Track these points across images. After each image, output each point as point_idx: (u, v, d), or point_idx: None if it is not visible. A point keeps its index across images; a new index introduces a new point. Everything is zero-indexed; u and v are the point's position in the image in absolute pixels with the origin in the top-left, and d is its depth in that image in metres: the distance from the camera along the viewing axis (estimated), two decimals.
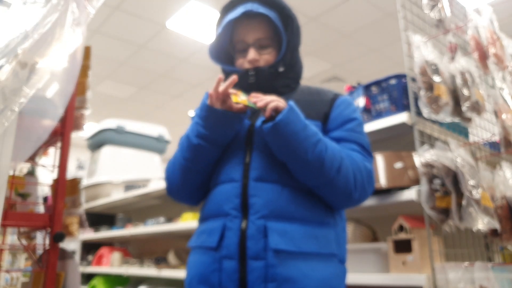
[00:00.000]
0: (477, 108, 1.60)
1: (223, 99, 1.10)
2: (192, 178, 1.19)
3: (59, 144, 1.47)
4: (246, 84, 1.21)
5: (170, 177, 1.24)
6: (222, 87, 1.08)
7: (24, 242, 1.62)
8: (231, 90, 1.09)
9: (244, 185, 1.09)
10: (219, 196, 1.13)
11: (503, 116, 1.61)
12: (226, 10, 1.27)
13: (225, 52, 1.33)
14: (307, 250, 1.04)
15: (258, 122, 1.12)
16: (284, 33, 1.23)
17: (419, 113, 1.59)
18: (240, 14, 1.20)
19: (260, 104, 1.07)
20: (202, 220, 1.20)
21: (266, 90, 1.19)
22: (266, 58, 1.24)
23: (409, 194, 1.52)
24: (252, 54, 1.22)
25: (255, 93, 1.11)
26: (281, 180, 1.10)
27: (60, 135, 1.46)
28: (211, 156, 1.16)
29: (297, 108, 1.08)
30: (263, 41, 1.24)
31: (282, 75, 1.24)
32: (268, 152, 1.11)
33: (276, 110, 1.06)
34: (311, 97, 1.24)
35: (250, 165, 1.12)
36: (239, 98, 1.08)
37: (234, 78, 1.09)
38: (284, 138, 1.04)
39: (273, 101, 1.07)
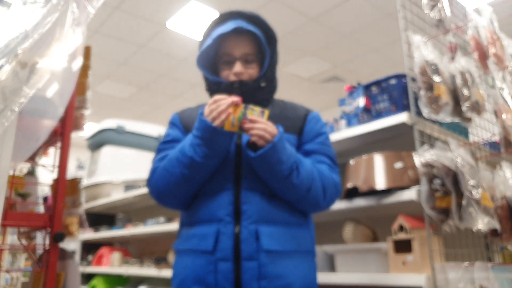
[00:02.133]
0: (477, 108, 1.60)
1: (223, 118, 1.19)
2: (189, 189, 1.28)
3: (59, 144, 1.47)
4: (230, 95, 1.30)
5: (160, 187, 1.30)
6: (223, 107, 1.16)
7: (24, 242, 1.62)
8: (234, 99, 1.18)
9: (236, 193, 1.22)
10: (211, 203, 1.23)
11: (503, 116, 1.61)
12: (215, 23, 1.37)
13: (210, 62, 1.41)
14: (290, 249, 1.21)
15: (244, 140, 1.24)
16: (268, 51, 1.34)
17: (419, 113, 1.59)
18: (230, 30, 1.29)
19: (253, 138, 1.18)
20: (189, 224, 1.29)
21: (247, 102, 1.27)
22: (250, 72, 1.34)
23: (409, 194, 1.52)
24: (238, 67, 1.32)
25: (253, 106, 1.19)
26: (267, 189, 1.23)
27: (60, 135, 1.46)
28: (213, 168, 1.25)
29: (283, 139, 1.20)
30: (249, 57, 1.34)
31: (263, 90, 1.35)
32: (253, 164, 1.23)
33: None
34: (287, 112, 1.37)
35: (240, 175, 1.24)
36: (232, 124, 1.17)
37: (236, 100, 1.18)
38: (265, 165, 1.18)
39: (265, 133, 1.17)
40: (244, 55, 1.34)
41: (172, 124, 1.43)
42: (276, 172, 1.18)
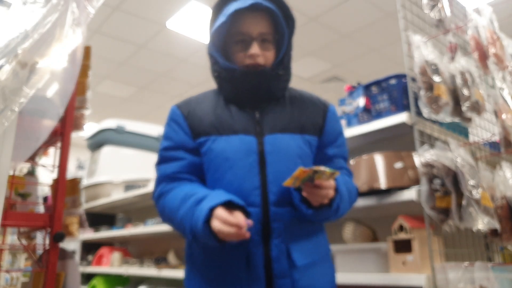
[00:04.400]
0: (477, 108, 1.60)
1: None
2: None
3: (59, 144, 1.47)
4: (246, 83, 1.18)
5: (165, 220, 1.21)
6: (232, 233, 0.98)
7: (24, 242, 1.62)
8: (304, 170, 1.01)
9: (265, 210, 1.10)
10: None
11: (503, 116, 1.61)
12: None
13: (220, 44, 1.23)
14: (317, 258, 1.17)
15: (296, 198, 1.11)
16: (286, 32, 1.19)
17: (419, 113, 1.59)
18: (249, 5, 1.12)
19: (311, 199, 1.06)
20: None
21: (263, 93, 1.18)
22: (267, 55, 1.18)
23: (409, 194, 1.52)
24: (255, 48, 1.16)
25: (323, 168, 1.01)
26: (292, 203, 1.13)
27: (60, 135, 1.46)
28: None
29: (342, 194, 1.12)
30: (267, 36, 1.18)
31: (281, 78, 1.21)
32: (281, 176, 1.10)
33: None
34: (306, 108, 1.24)
35: (267, 189, 1.11)
36: (293, 183, 1.04)
37: (246, 235, 1.00)
38: (315, 216, 1.11)
39: (325, 199, 1.07)
40: (262, 35, 1.17)
41: (174, 122, 1.23)
42: (331, 215, 1.13)
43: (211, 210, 1.01)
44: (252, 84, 1.17)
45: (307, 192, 1.05)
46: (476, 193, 1.38)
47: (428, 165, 1.46)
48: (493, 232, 1.52)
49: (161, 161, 1.22)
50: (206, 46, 1.22)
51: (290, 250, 1.11)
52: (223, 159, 1.13)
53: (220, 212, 0.99)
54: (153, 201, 1.24)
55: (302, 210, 1.09)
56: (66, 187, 1.44)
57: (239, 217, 0.98)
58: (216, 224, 0.99)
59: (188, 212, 1.07)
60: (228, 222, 0.97)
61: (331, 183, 1.06)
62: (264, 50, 1.18)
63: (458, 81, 1.60)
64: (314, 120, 1.22)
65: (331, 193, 1.06)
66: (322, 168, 1.00)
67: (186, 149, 1.19)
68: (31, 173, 1.65)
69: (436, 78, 1.54)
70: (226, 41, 1.22)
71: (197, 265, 1.18)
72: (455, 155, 1.47)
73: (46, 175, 1.57)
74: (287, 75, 1.23)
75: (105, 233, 3.56)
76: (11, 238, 2.18)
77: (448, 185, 1.42)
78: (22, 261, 2.57)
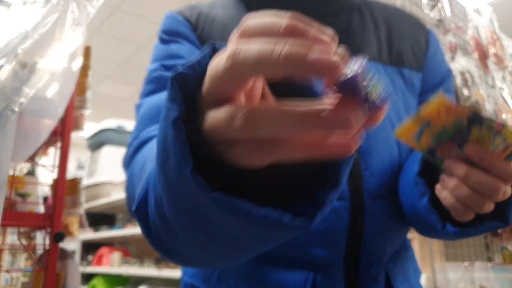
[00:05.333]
0: (477, 108, 1.60)
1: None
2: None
3: (59, 144, 1.47)
4: None
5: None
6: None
7: (24, 242, 1.62)
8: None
9: (356, 206, 0.58)
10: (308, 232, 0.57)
11: (503, 116, 1.61)
12: None
13: None
14: (415, 280, 0.69)
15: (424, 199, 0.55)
16: None
17: None
18: None
19: (472, 204, 0.48)
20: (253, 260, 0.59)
21: (319, 9, 0.67)
22: None
23: None
24: None
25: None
26: (395, 199, 0.62)
27: (60, 135, 1.46)
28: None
29: None
30: None
31: None
32: (380, 141, 0.61)
33: None
34: (397, 22, 0.73)
35: (361, 168, 0.59)
36: (416, 137, 0.47)
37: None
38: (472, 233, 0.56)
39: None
40: None
41: (174, 34, 0.69)
42: None
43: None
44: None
45: (454, 171, 0.47)
46: None
47: None
48: (493, 232, 1.52)
49: (153, 90, 0.62)
50: None
51: (390, 273, 0.62)
52: None
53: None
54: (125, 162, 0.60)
55: (433, 221, 0.54)
56: (66, 187, 1.44)
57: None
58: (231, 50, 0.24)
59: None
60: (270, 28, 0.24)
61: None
62: None
63: (458, 81, 1.61)
64: (417, 49, 0.71)
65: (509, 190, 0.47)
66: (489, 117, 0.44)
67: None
68: (31, 173, 1.65)
69: None
70: None
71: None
72: None
73: (46, 175, 1.57)
74: None
75: (105, 233, 3.57)
76: (11, 238, 2.18)
77: None
78: (22, 261, 2.57)
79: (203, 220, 0.29)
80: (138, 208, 0.39)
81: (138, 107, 0.62)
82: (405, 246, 0.69)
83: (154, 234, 0.38)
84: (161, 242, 0.38)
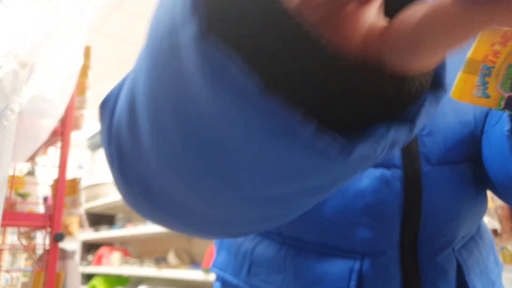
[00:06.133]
0: None
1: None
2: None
3: (59, 144, 1.47)
4: None
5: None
6: None
7: (24, 242, 1.62)
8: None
9: (411, 174, 0.45)
10: (338, 208, 0.45)
11: None
12: None
13: None
14: (498, 279, 0.56)
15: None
16: None
17: None
18: None
19: None
20: (296, 242, 0.49)
21: None
22: None
23: None
24: None
25: None
26: (469, 166, 0.49)
27: (60, 135, 1.46)
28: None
29: None
30: None
31: None
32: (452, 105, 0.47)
33: None
34: None
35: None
36: (481, 89, 0.34)
37: None
38: None
39: None
40: None
41: None
42: None
43: None
44: None
45: None
46: None
47: None
48: (493, 232, 1.52)
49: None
50: None
51: (462, 264, 0.49)
52: None
53: None
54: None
55: None
56: (66, 187, 1.44)
57: None
58: None
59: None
60: None
61: None
62: None
63: None
64: None
65: None
66: None
67: None
68: (31, 173, 1.65)
69: None
70: None
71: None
72: None
73: (46, 175, 1.57)
74: None
75: (105, 233, 3.57)
76: (11, 238, 2.19)
77: None
78: (22, 261, 2.57)
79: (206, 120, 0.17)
80: (107, 100, 0.27)
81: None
82: (483, 231, 0.55)
83: (115, 142, 0.25)
84: (122, 160, 0.25)
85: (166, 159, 0.20)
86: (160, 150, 0.20)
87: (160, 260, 3.02)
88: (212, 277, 2.23)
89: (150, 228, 2.97)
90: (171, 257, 2.93)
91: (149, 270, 2.89)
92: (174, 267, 2.79)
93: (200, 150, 0.18)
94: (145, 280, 3.24)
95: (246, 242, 0.52)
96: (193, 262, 2.89)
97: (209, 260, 2.33)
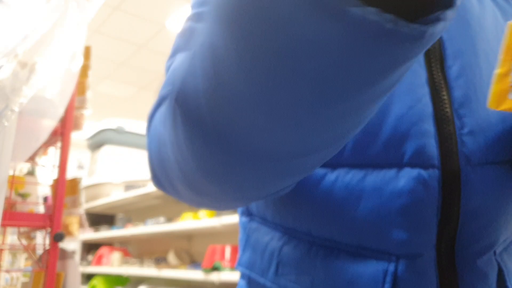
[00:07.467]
0: None
1: None
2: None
3: (59, 144, 1.47)
4: None
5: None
6: None
7: (24, 242, 1.62)
8: None
9: (450, 175, 0.43)
10: (374, 208, 0.43)
11: None
12: None
13: None
14: None
15: None
16: None
17: None
18: None
19: None
20: (324, 240, 0.47)
21: None
22: None
23: None
24: None
25: None
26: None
27: (60, 135, 1.46)
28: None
29: None
30: None
31: None
32: (485, 91, 0.44)
33: None
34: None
35: (456, 129, 0.43)
36: None
37: None
38: None
39: None
40: None
41: None
42: None
43: None
44: None
45: None
46: None
47: None
48: None
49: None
50: None
51: (502, 267, 0.46)
52: None
53: None
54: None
55: None
56: (66, 187, 1.44)
57: None
58: None
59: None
60: None
61: None
62: None
63: None
64: None
65: None
66: None
67: None
68: (31, 173, 1.65)
69: None
70: None
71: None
72: None
73: (46, 175, 1.57)
74: None
75: (105, 233, 3.57)
76: (11, 238, 2.18)
77: None
78: (22, 261, 2.57)
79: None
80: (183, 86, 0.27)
81: (167, 68, 0.47)
82: None
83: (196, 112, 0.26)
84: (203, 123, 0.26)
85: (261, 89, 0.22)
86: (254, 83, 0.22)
87: (160, 260, 3.02)
88: (212, 277, 2.23)
89: (150, 228, 2.97)
90: (171, 257, 2.94)
91: (149, 270, 2.89)
92: (174, 267, 2.79)
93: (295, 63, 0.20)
94: (145, 280, 3.24)
95: (273, 242, 0.51)
96: (193, 262, 2.89)
97: (209, 260, 2.32)
